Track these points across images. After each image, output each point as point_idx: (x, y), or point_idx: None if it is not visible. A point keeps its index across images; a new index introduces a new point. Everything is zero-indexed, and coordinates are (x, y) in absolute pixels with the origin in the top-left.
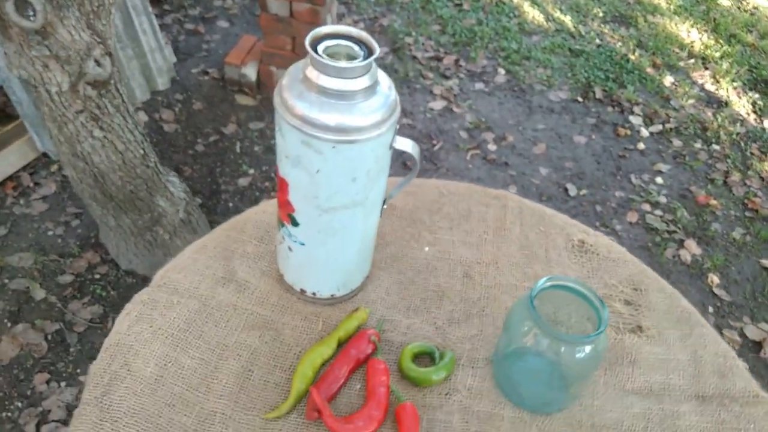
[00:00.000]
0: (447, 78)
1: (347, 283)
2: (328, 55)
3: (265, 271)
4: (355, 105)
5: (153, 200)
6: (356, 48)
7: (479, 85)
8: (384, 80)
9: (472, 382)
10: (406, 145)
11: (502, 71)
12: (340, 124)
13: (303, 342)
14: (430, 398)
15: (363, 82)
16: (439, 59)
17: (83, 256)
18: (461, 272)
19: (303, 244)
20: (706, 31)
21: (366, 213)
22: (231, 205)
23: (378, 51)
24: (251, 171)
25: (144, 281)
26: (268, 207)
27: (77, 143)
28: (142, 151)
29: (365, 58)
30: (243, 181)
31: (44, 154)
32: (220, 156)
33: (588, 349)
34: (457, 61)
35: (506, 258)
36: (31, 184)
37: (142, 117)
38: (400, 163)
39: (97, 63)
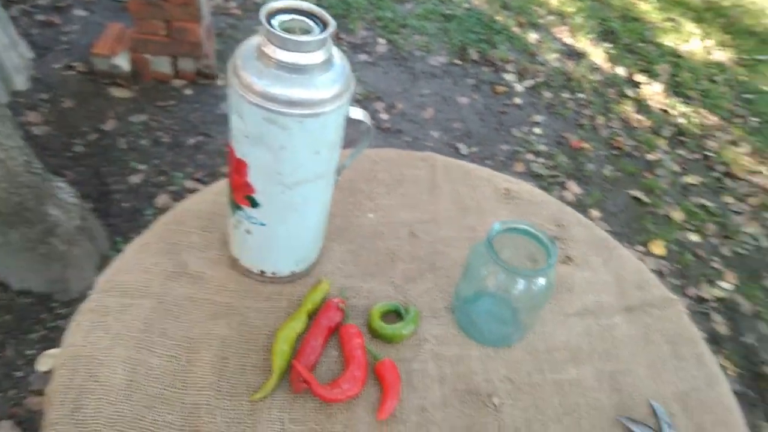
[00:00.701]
0: None
1: (305, 258)
2: (283, 30)
3: (217, 259)
4: (314, 78)
5: (43, 209)
6: (309, 22)
7: (363, 57)
8: (336, 53)
9: (438, 330)
10: (358, 113)
11: (382, 41)
12: (304, 99)
13: (270, 322)
14: (404, 352)
15: (320, 55)
16: None
17: None
18: (406, 233)
19: (263, 225)
20: None
21: (325, 185)
22: (126, 205)
23: (333, 23)
24: (141, 167)
25: (41, 299)
26: (204, 196)
27: None
28: (25, 157)
29: (321, 30)
30: (135, 179)
31: None
32: (104, 155)
33: (543, 281)
34: (336, 34)
35: (443, 213)
36: None
37: None
38: None
39: None
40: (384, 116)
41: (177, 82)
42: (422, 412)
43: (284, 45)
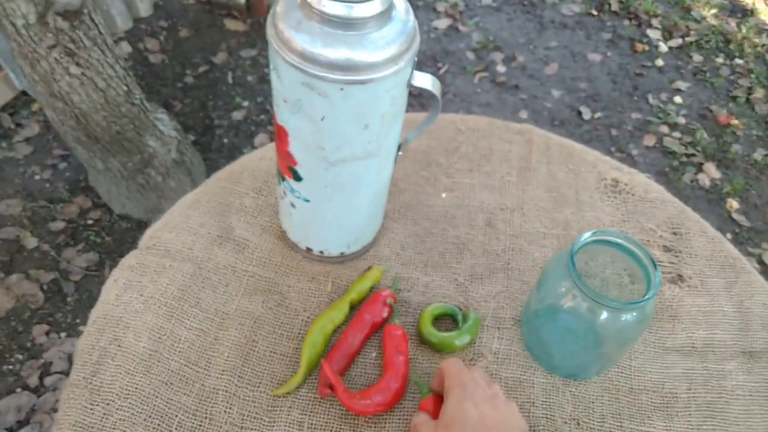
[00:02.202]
0: None
1: (358, 239)
2: None
3: (266, 228)
4: (366, 36)
5: (142, 140)
6: None
7: (486, 0)
8: (399, 2)
9: (499, 345)
10: (425, 81)
11: None
12: (349, 60)
13: (311, 306)
14: None
15: (376, 6)
16: None
17: (74, 201)
18: (483, 221)
19: (308, 201)
20: None
21: (380, 164)
22: (226, 141)
23: None
24: (245, 103)
25: (139, 226)
26: (266, 153)
27: (53, 82)
28: (125, 88)
29: None
30: (237, 115)
31: (23, 92)
32: (212, 88)
33: (634, 313)
34: None
35: (532, 202)
36: (13, 126)
37: (125, 48)
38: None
39: None
40: (501, 68)
41: None
42: None
43: None
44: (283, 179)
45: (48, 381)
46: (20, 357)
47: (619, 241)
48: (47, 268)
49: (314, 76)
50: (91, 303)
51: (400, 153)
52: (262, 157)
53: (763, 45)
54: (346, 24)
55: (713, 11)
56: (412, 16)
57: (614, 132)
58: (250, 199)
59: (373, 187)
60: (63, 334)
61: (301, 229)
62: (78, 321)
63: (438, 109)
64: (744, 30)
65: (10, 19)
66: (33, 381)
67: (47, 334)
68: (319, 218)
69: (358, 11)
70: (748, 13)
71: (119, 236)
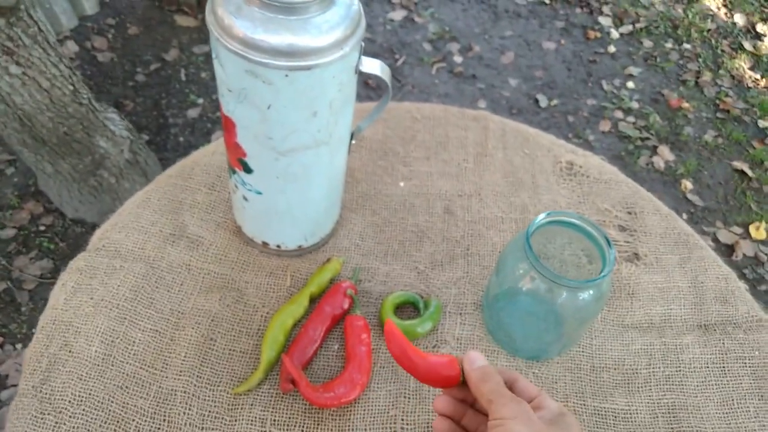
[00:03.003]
0: None
1: (315, 231)
2: None
3: (220, 223)
4: (309, 20)
5: (92, 141)
6: None
7: None
8: None
9: (461, 331)
10: (373, 66)
11: None
12: (292, 46)
13: (270, 301)
14: None
15: None
16: None
17: (24, 207)
18: (441, 208)
19: (260, 193)
20: None
21: (331, 152)
22: (181, 139)
23: None
24: (200, 101)
25: (94, 229)
26: (218, 147)
27: None
28: (71, 87)
29: None
30: (192, 113)
31: None
32: (164, 86)
33: (591, 291)
34: None
35: (490, 187)
36: None
37: (72, 47)
38: (361, 84)
39: None
40: (458, 59)
41: None
42: (429, 429)
43: None
44: (234, 172)
45: (4, 395)
46: None
47: (574, 221)
48: None
49: (257, 63)
50: None
51: (353, 141)
52: (213, 151)
53: (709, 30)
54: (288, 8)
55: None
56: (356, 0)
57: (571, 119)
58: (202, 195)
59: (326, 177)
60: (18, 345)
61: (255, 222)
62: (34, 331)
63: (389, 95)
64: (690, 15)
65: None
66: None
67: (1, 346)
68: (272, 211)
69: None
70: None
71: (73, 241)
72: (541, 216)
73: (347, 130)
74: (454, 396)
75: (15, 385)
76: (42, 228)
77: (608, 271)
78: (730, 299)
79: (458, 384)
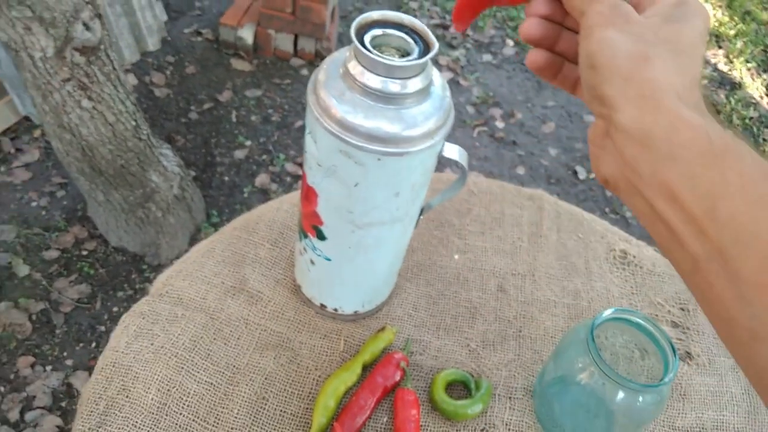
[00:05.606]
0: (453, 48)
1: (373, 299)
2: (374, 47)
3: (280, 280)
4: (405, 110)
5: (145, 175)
6: (408, 39)
7: (487, 57)
8: (437, 79)
9: (510, 416)
10: (453, 152)
11: (510, 42)
12: (388, 134)
13: (323, 365)
14: None
15: (417, 83)
16: (445, 27)
17: (70, 231)
18: (495, 285)
19: (329, 260)
20: (720, 6)
21: (403, 228)
22: (227, 179)
23: (437, 46)
24: (248, 143)
25: (134, 259)
26: (282, 204)
27: (63, 114)
28: (134, 123)
29: (421, 53)
30: (239, 154)
31: (26, 118)
32: (215, 125)
33: (652, 395)
34: (463, 31)
35: (543, 269)
36: (13, 150)
37: (131, 80)
38: None
39: (86, 26)
40: (499, 124)
41: (295, 61)
42: None
43: (373, 67)
44: (306, 236)
45: (29, 416)
46: (1, 389)
47: (640, 321)
48: (37, 297)
49: (353, 145)
50: (80, 336)
51: (422, 217)
52: (278, 208)
53: (751, 118)
54: (388, 98)
55: (703, 82)
56: (448, 93)
57: (609, 193)
58: (265, 250)
59: (393, 249)
60: (49, 368)
61: (317, 285)
62: (65, 354)
63: (464, 179)
64: (733, 102)
65: (29, 51)
66: (13, 415)
67: (32, 366)
68: (337, 277)
69: (402, 87)
70: (736, 86)
71: (113, 269)
72: (608, 312)
73: (420, 207)
74: (541, 15)
75: (41, 407)
76: (84, 252)
77: (672, 378)
78: None
79: None
